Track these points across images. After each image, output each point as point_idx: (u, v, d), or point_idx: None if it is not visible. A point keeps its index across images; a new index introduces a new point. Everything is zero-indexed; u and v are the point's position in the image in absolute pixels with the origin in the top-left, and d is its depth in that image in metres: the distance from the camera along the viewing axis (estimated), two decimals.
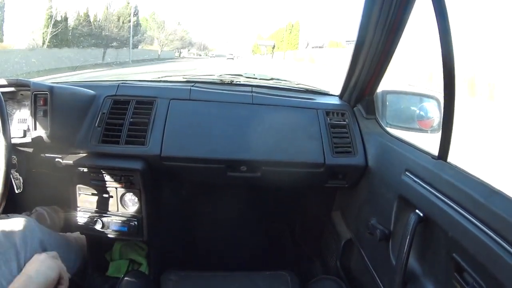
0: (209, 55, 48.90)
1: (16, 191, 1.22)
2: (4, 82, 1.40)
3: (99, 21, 21.70)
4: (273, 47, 53.92)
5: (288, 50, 48.66)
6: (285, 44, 51.38)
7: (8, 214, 1.31)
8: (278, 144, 1.54)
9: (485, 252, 0.81)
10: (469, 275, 0.88)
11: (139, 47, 27.75)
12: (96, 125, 1.52)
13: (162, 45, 31.86)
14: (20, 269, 1.10)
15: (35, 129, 1.37)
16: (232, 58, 41.82)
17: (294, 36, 53.05)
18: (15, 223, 1.21)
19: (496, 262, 0.78)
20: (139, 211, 1.53)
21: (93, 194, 1.53)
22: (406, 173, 1.22)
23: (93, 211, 1.55)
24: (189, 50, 46.82)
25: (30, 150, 1.51)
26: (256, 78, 2.02)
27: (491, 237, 0.80)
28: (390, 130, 1.55)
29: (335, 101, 1.79)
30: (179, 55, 40.08)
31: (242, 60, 41.35)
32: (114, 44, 21.42)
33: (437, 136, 1.11)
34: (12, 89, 1.42)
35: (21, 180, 1.27)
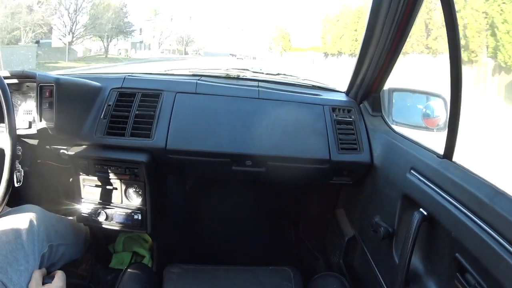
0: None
1: (16, 184, 1.22)
2: (10, 73, 1.40)
3: None
4: None
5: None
6: None
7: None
8: (284, 139, 1.53)
9: (488, 253, 0.81)
10: (471, 276, 0.88)
11: None
12: (101, 117, 1.52)
13: None
14: (27, 259, 1.12)
15: (41, 120, 1.37)
16: (242, 58, 31.78)
17: None
18: (22, 212, 1.22)
19: (499, 264, 0.77)
20: (143, 203, 1.54)
21: (97, 186, 1.54)
22: (411, 171, 1.22)
23: (97, 202, 1.56)
24: (169, 45, 32.95)
25: (35, 141, 1.52)
26: (262, 73, 2.01)
27: (495, 238, 0.79)
28: (396, 127, 1.55)
29: (342, 97, 1.78)
30: (119, 53, 26.79)
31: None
32: None
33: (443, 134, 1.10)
34: (17, 80, 1.43)
35: (22, 173, 1.27)
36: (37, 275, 1.13)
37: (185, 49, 35.06)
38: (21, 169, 1.26)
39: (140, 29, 28.87)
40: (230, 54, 34.45)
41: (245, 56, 34.28)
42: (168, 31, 33.82)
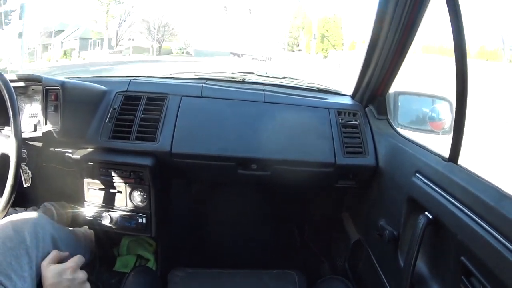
0: None
1: (25, 185, 1.24)
2: (16, 76, 1.41)
3: None
4: None
5: None
6: None
7: (16, 208, 1.32)
8: (289, 143, 1.53)
9: (493, 256, 0.80)
10: (476, 280, 0.87)
11: None
12: (106, 120, 1.53)
13: None
14: (31, 265, 1.10)
15: (46, 123, 1.38)
16: (264, 60, 18.55)
17: None
18: (26, 218, 1.20)
19: (505, 267, 0.76)
20: (147, 207, 1.54)
21: (102, 189, 1.54)
22: (417, 174, 1.21)
23: (102, 206, 1.56)
24: (129, 40, 18.26)
25: (40, 144, 1.52)
26: (268, 77, 2.01)
27: (500, 241, 0.79)
28: (401, 131, 1.54)
29: (347, 101, 1.78)
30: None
31: None
32: None
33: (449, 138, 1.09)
34: (23, 83, 1.43)
35: (30, 174, 1.28)
36: (53, 255, 1.15)
37: (160, 46, 19.40)
38: (28, 170, 1.27)
39: (22, 7, 13.67)
40: (232, 53, 20.11)
41: (267, 57, 19.61)
42: (130, 18, 19.10)
